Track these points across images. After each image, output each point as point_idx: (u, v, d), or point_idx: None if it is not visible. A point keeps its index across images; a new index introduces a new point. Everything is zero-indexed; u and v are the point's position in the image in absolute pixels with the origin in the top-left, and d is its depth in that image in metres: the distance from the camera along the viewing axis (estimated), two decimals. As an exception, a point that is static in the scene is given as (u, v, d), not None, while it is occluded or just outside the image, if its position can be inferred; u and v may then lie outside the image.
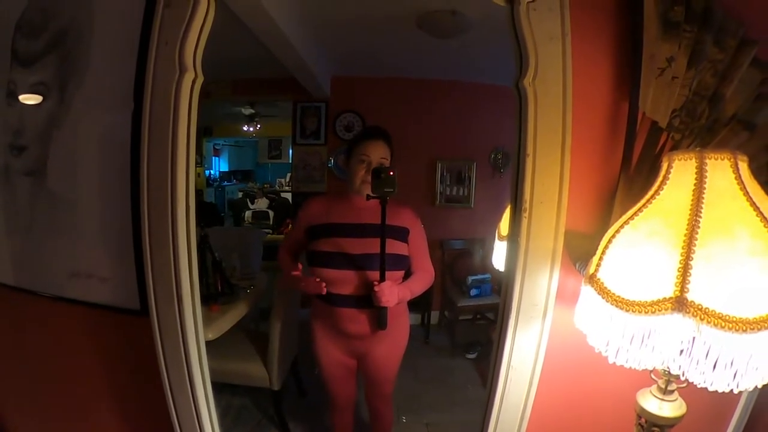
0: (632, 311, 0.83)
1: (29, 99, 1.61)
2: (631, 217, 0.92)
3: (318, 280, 1.81)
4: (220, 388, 2.90)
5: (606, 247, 0.94)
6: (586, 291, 0.97)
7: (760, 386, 0.80)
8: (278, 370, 2.66)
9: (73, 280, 1.64)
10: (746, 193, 0.81)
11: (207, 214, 6.94)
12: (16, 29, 1.63)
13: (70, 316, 1.69)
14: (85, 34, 1.53)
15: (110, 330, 1.66)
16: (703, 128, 1.25)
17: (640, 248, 0.86)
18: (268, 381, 2.67)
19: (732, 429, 1.52)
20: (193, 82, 1.33)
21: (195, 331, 1.44)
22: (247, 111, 6.95)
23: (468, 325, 4.07)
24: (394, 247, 1.83)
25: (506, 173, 4.49)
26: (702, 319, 0.75)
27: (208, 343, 1.52)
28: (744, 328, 0.73)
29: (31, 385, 1.87)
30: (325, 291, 1.81)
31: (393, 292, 1.76)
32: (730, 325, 0.74)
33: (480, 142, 4.45)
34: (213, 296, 2.64)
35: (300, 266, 1.84)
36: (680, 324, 0.78)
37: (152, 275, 1.41)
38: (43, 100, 1.60)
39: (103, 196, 1.56)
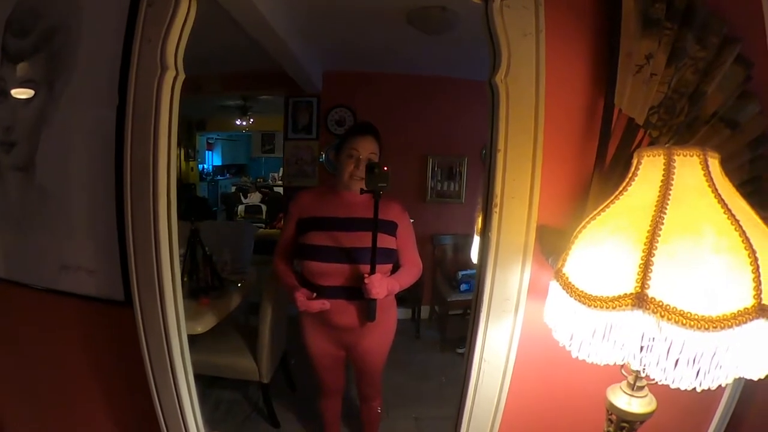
0: (594, 306, 0.83)
1: (20, 93, 1.62)
2: (598, 213, 0.93)
3: (322, 301, 1.85)
4: (211, 381, 2.95)
5: (572, 242, 0.95)
6: (553, 286, 0.98)
7: (725, 384, 0.80)
8: (268, 364, 2.68)
9: (63, 273, 1.65)
10: (715, 191, 0.82)
11: (198, 209, 6.92)
12: (5, 27, 1.63)
13: (60, 308, 1.70)
14: (73, 32, 1.53)
15: (97, 320, 1.68)
16: (681, 125, 1.25)
17: (604, 244, 0.87)
18: (258, 374, 2.68)
19: (713, 428, 1.52)
20: (174, 79, 1.34)
21: (176, 322, 1.46)
22: (239, 104, 6.92)
23: (458, 319, 4.06)
24: (383, 240, 1.84)
25: (485, 170, 4.51)
26: (662, 316, 0.75)
27: (197, 337, 1.54)
28: (707, 326, 0.73)
29: (21, 375, 1.88)
30: (321, 308, 1.86)
31: (383, 285, 1.79)
32: (692, 323, 0.73)
33: (471, 138, 4.44)
34: (203, 290, 2.66)
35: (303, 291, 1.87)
36: (641, 320, 0.78)
37: (135, 267, 1.43)
38: (32, 97, 1.61)
39: (89, 190, 1.57)
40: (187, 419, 1.55)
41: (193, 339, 1.53)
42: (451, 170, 4.56)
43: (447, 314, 4.07)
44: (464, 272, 4.04)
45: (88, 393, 1.78)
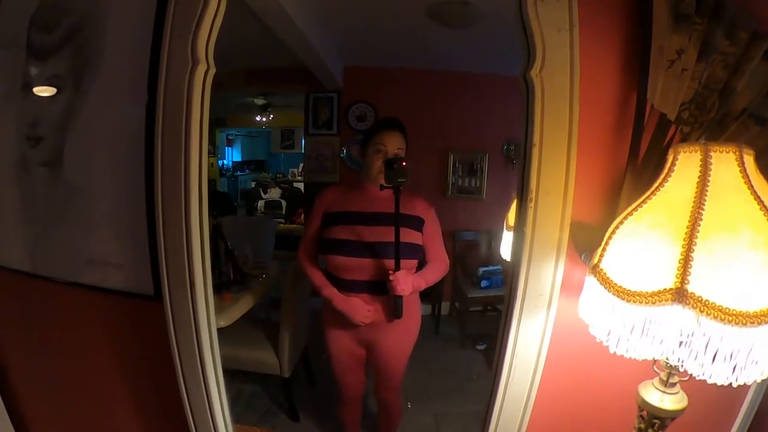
0: (633, 302, 0.83)
1: (44, 91, 1.63)
2: (635, 209, 0.92)
3: (369, 309, 1.89)
4: (232, 374, 2.94)
5: (609, 238, 0.94)
6: (590, 281, 0.97)
7: (759, 380, 0.80)
8: (289, 358, 2.70)
9: (90, 267, 1.66)
10: (750, 187, 0.81)
11: (220, 204, 6.95)
12: (30, 23, 1.65)
13: (87, 302, 1.71)
14: (99, 27, 1.54)
15: (125, 314, 1.69)
16: (712, 122, 1.23)
17: (642, 239, 0.86)
18: (279, 368, 2.71)
19: (738, 424, 1.51)
20: (206, 73, 1.34)
21: (207, 316, 1.47)
22: (260, 101, 6.93)
23: (478, 316, 4.05)
24: (408, 236, 1.84)
25: (519, 165, 4.48)
26: (702, 311, 0.75)
27: (220, 331, 1.54)
28: (744, 321, 0.73)
29: (47, 369, 1.90)
30: (366, 321, 1.89)
31: (408, 281, 1.79)
32: (731, 318, 0.74)
33: (493, 133, 4.42)
34: (225, 284, 2.68)
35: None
36: (680, 315, 0.78)
37: (166, 262, 1.43)
38: (58, 92, 1.62)
39: (118, 185, 1.58)
40: (216, 414, 1.56)
41: (215, 333, 1.54)
42: (472, 166, 4.54)
43: (467, 311, 4.05)
44: (485, 268, 4.00)
45: (113, 387, 1.80)
